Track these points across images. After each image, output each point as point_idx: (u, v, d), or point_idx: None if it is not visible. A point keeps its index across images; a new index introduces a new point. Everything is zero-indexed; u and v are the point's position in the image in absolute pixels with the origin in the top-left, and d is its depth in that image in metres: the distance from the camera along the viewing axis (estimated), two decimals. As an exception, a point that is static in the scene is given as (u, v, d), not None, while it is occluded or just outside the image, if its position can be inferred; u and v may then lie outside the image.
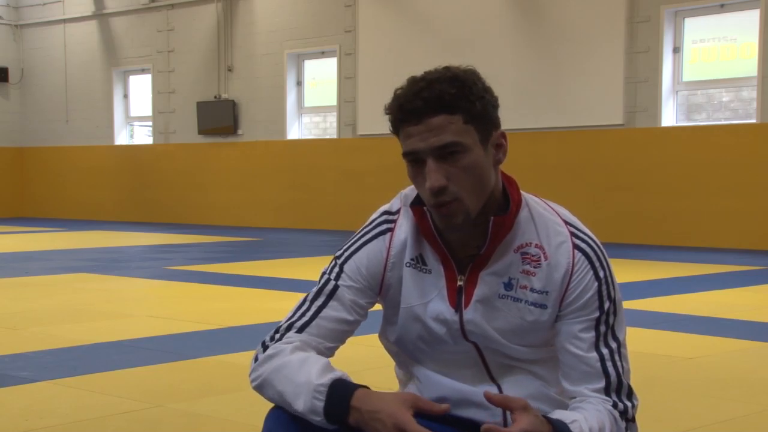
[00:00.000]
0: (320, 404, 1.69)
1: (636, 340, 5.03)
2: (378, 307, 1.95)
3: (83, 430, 3.30)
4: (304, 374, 1.73)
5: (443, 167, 1.74)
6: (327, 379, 1.71)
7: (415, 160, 1.78)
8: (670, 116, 11.76)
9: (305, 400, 1.71)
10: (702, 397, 3.82)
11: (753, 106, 11.26)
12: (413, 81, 1.77)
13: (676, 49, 11.70)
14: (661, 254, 10.30)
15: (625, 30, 11.82)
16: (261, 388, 1.80)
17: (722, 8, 11.49)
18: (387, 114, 1.79)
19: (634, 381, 1.92)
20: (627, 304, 6.46)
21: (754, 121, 11.20)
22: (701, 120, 11.78)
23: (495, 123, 1.80)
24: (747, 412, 3.59)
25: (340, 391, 1.69)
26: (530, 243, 1.83)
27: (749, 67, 11.28)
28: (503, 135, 1.82)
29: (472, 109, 1.74)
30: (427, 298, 1.86)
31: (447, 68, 1.78)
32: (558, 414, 1.74)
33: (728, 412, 3.58)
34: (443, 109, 1.73)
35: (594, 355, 1.79)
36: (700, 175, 11.37)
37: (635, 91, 11.81)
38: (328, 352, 1.86)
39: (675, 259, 9.79)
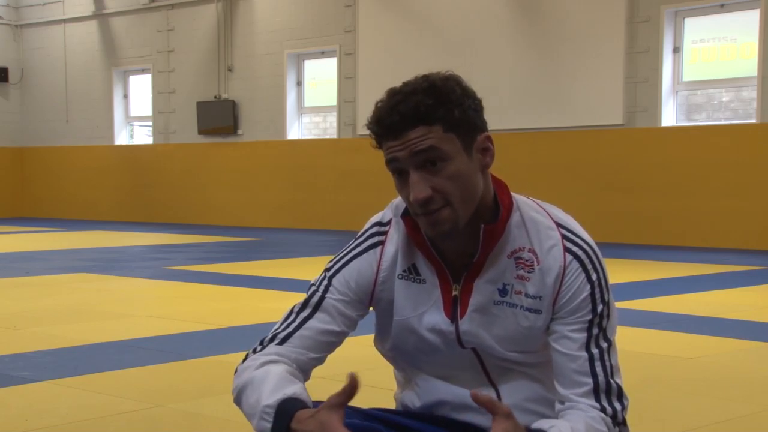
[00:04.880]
0: (268, 425, 1.67)
1: (636, 340, 5.03)
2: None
3: (83, 430, 3.29)
4: (257, 394, 1.71)
5: (426, 178, 1.71)
6: (274, 400, 1.67)
7: (399, 172, 1.75)
8: (670, 116, 11.76)
9: (258, 422, 1.69)
10: (702, 397, 3.81)
11: (753, 106, 11.26)
12: (391, 94, 1.74)
13: (676, 49, 11.69)
14: (661, 254, 10.29)
15: (625, 30, 11.82)
16: (237, 405, 1.80)
17: (722, 8, 11.48)
18: (368, 129, 1.77)
19: (635, 381, 1.91)
20: (626, 304, 6.46)
21: (754, 121, 11.19)
22: (701, 120, 11.78)
23: (479, 127, 1.76)
24: (747, 412, 3.59)
25: (284, 415, 1.66)
26: (523, 248, 1.80)
27: (749, 67, 11.28)
28: (489, 138, 1.77)
29: (451, 118, 1.71)
30: (422, 309, 1.84)
31: (425, 77, 1.74)
32: (538, 423, 1.71)
33: (728, 412, 3.57)
34: (420, 121, 1.70)
35: (584, 354, 1.76)
36: (700, 175, 11.37)
37: (635, 91, 11.81)
38: (314, 362, 1.84)
39: (675, 259, 9.79)
